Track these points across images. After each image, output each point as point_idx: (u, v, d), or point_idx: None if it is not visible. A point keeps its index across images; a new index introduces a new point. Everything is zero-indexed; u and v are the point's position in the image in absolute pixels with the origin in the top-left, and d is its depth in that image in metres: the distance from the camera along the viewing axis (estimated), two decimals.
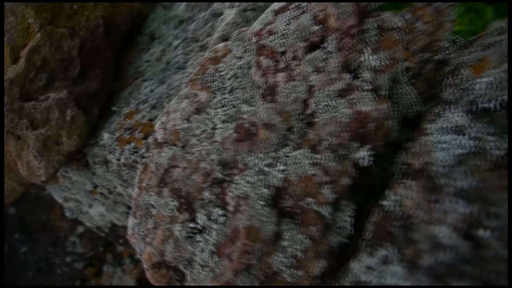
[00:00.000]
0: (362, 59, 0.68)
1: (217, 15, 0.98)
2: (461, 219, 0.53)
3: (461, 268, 0.49)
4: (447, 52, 0.84)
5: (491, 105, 0.65)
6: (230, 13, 0.90)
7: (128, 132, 0.90)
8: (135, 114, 0.93)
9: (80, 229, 1.25)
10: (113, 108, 0.97)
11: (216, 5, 0.99)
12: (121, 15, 1.03)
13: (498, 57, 0.67)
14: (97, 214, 1.09)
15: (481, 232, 0.52)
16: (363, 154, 0.64)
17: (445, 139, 0.63)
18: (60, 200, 1.11)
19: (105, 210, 1.08)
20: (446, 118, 0.67)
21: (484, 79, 0.65)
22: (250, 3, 0.90)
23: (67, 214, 1.12)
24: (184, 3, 1.08)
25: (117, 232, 1.11)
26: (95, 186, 1.03)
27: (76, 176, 1.03)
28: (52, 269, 1.26)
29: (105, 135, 0.91)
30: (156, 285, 0.74)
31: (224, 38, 0.84)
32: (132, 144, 0.88)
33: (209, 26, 0.98)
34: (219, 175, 0.67)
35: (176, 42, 1.03)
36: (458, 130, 0.65)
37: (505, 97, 0.64)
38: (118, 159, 0.89)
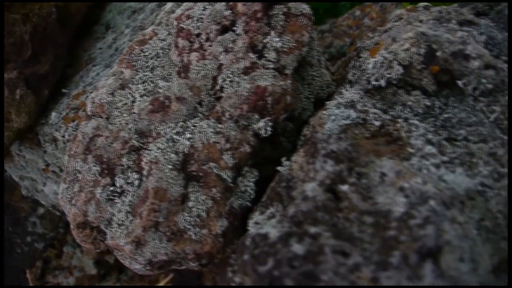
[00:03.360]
0: (266, 40, 0.77)
1: (161, 5, 1.08)
2: (327, 176, 0.61)
3: (315, 215, 0.57)
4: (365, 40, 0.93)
5: (380, 82, 0.74)
6: (169, 3, 0.99)
7: (73, 111, 1.00)
8: (81, 95, 1.02)
9: (41, 210, 1.34)
10: (63, 91, 1.07)
11: None
12: (76, 5, 1.13)
13: (389, 40, 0.76)
14: (51, 192, 1.18)
15: (342, 187, 0.60)
16: (261, 125, 0.73)
17: (336, 112, 0.72)
18: (16, 179, 1.20)
19: (58, 188, 1.17)
20: (343, 95, 0.76)
21: (373, 59, 0.74)
22: None
23: (23, 192, 1.20)
24: None
25: None
26: (47, 164, 1.12)
27: (29, 154, 1.12)
28: (13, 248, 1.35)
29: (53, 114, 1.01)
30: (82, 245, 0.82)
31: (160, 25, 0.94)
32: (75, 122, 0.97)
33: (154, 15, 1.07)
34: (136, 143, 0.76)
35: (126, 31, 1.13)
36: (350, 105, 0.74)
37: (390, 76, 0.73)
38: (63, 136, 0.98)
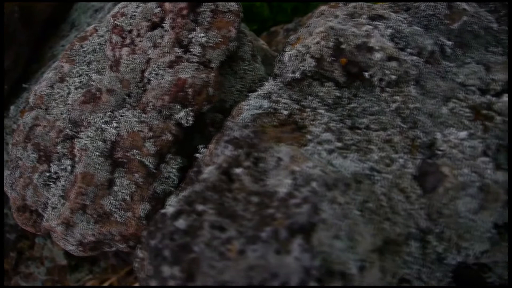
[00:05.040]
0: (191, 36, 0.83)
1: (116, 4, 1.16)
2: (225, 160, 0.68)
3: (206, 195, 0.63)
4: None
5: (296, 75, 0.80)
6: (121, 3, 1.07)
7: None
8: None
9: None
10: (24, 86, 1.16)
11: None
12: (41, 5, 1.23)
13: (307, 34, 0.82)
14: None
15: (236, 170, 0.66)
16: (182, 115, 0.80)
17: (251, 103, 0.78)
18: None
19: None
20: (263, 87, 0.82)
21: (289, 53, 0.80)
22: None
23: None
24: None
25: None
26: None
27: None
28: None
29: (11, 108, 1.10)
30: (23, 227, 0.90)
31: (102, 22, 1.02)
32: None
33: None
34: (70, 132, 0.84)
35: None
36: (267, 96, 0.79)
37: (304, 68, 0.79)
38: None
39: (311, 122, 0.73)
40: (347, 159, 0.67)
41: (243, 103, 0.81)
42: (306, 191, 0.61)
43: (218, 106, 0.91)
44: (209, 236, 0.57)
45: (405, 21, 0.80)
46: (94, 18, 1.23)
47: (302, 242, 0.57)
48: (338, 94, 0.77)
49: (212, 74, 0.83)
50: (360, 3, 0.82)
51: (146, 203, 0.79)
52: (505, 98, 0.71)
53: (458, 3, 0.81)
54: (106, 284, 1.51)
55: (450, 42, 0.79)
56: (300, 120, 0.74)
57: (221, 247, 0.56)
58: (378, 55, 0.73)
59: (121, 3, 0.92)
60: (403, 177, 0.66)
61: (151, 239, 0.61)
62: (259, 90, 0.82)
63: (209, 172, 0.67)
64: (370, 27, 0.75)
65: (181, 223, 0.59)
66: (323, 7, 0.88)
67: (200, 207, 0.62)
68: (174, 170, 0.81)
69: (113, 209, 0.80)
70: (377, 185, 0.65)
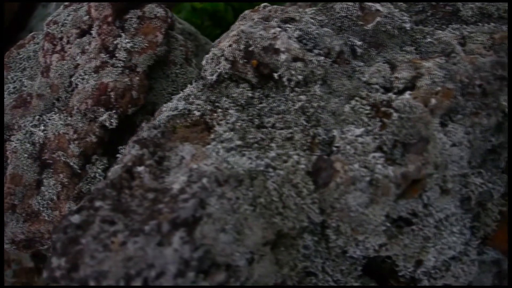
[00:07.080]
0: (117, 42, 0.90)
1: None
2: (130, 159, 0.74)
3: (105, 192, 0.69)
4: None
5: (213, 77, 0.85)
6: None
7: None
8: None
9: None
10: None
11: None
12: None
13: (225, 37, 0.88)
14: None
15: (138, 168, 0.72)
16: (105, 117, 0.86)
17: (169, 104, 0.84)
18: None
19: None
20: (185, 89, 0.88)
21: (206, 56, 0.86)
22: None
23: None
24: (54, 3, 1.35)
25: None
26: None
27: None
28: None
29: None
30: None
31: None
32: None
33: None
34: (4, 136, 0.91)
35: None
36: (186, 98, 0.85)
37: (220, 70, 0.84)
38: None
39: (219, 122, 0.78)
40: (244, 157, 0.72)
41: (164, 105, 0.87)
42: (196, 187, 0.67)
43: (150, 109, 0.97)
44: (98, 229, 0.63)
45: (317, 23, 0.85)
46: None
47: (184, 235, 0.62)
48: (250, 94, 0.82)
49: (137, 78, 0.89)
50: (275, 6, 0.87)
51: (72, 202, 0.86)
52: (406, 95, 0.76)
53: (370, 4, 0.85)
54: None
55: (360, 42, 0.84)
56: (210, 121, 0.79)
57: (106, 239, 0.62)
58: (283, 56, 0.78)
59: (58, 9, 0.99)
60: (296, 173, 0.71)
61: (53, 233, 0.68)
62: (181, 92, 0.88)
63: (113, 170, 0.73)
64: (279, 29, 0.81)
65: (76, 218, 0.65)
66: (246, 11, 0.94)
67: (98, 203, 0.68)
68: (99, 170, 0.88)
69: (41, 208, 0.86)
70: (270, 181, 0.70)
